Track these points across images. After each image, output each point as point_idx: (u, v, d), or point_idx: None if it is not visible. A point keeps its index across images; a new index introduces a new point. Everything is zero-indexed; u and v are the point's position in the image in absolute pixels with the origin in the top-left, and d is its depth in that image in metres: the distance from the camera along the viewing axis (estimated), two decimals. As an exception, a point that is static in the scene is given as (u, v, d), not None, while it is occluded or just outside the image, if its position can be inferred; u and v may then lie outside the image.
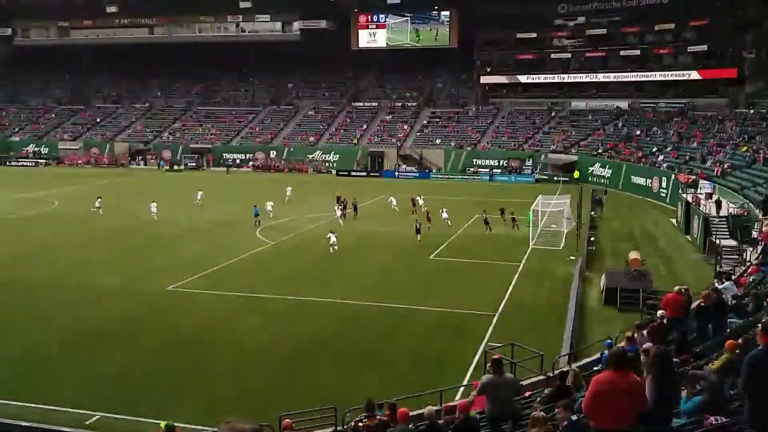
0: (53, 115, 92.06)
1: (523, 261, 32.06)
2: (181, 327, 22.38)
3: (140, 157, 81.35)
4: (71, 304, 24.70)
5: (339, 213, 42.70)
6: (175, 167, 77.14)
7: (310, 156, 76.92)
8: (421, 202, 45.60)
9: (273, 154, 78.39)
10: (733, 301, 16.66)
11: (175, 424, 11.43)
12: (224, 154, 79.65)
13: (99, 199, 45.39)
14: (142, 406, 16.00)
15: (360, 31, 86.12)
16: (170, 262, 31.37)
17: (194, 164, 77.89)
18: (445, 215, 40.33)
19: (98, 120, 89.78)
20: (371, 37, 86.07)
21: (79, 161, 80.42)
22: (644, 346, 11.67)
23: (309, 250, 34.80)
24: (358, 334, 21.71)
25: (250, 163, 77.84)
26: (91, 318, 23.08)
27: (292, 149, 78.39)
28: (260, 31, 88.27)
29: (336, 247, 32.91)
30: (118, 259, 32.12)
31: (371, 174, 71.73)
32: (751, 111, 58.49)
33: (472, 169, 70.83)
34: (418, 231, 36.20)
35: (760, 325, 6.98)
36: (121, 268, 30.27)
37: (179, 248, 34.92)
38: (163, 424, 11.49)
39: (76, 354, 19.77)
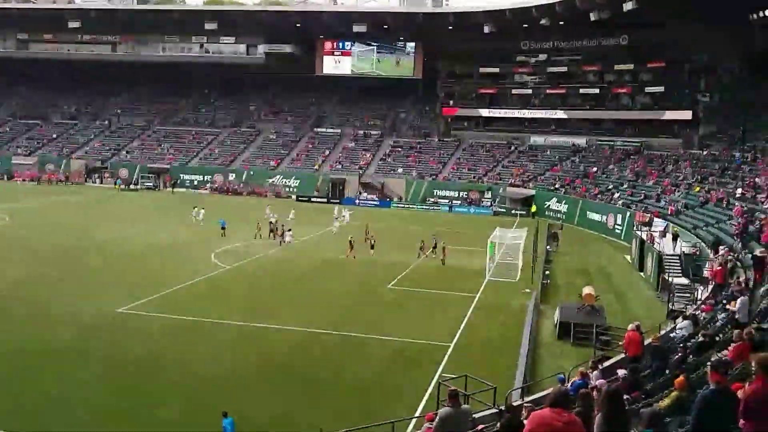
0: (8, 129, 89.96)
1: (479, 292, 32.11)
2: (128, 351, 21.67)
3: (96, 175, 79.80)
4: (14, 323, 23.86)
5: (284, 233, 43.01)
6: (131, 186, 75.89)
7: (270, 180, 76.44)
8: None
9: (232, 176, 77.68)
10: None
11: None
12: (182, 175, 78.69)
13: (197, 210, 49.52)
14: (82, 430, 15.39)
15: (325, 57, 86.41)
16: (121, 284, 30.56)
17: (151, 184, 76.73)
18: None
19: (55, 136, 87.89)
20: (336, 64, 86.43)
21: (31, 177, 78.32)
22: (596, 382, 11.68)
23: (265, 276, 34.39)
24: (310, 363, 21.36)
25: (208, 185, 77.00)
26: (34, 338, 22.26)
27: (251, 172, 77.79)
28: (224, 53, 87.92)
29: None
30: (67, 279, 31.26)
31: (332, 201, 71.47)
32: (704, 152, 60.11)
33: (432, 200, 71.17)
34: (351, 247, 38.61)
35: (709, 364, 6.99)
36: (69, 287, 29.44)
37: (131, 269, 34.09)
38: None
39: (15, 375, 18.99)
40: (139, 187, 76.04)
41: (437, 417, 9.68)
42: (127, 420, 16.33)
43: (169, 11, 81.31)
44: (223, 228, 44.07)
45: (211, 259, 37.41)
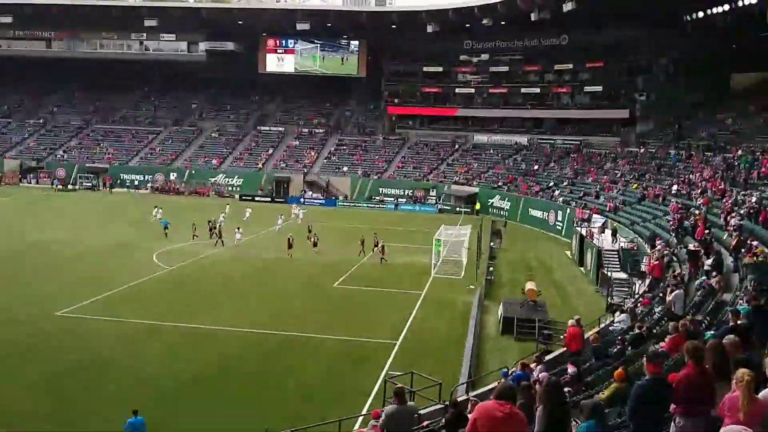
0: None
1: (425, 290, 32.33)
2: (68, 355, 21.00)
3: (32, 175, 77.22)
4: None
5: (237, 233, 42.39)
6: (69, 187, 73.78)
7: (213, 179, 75.37)
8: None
9: (173, 176, 76.29)
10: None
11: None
12: (122, 175, 76.90)
13: (157, 209, 49.37)
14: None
15: (268, 55, 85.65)
16: (60, 286, 29.66)
17: (90, 184, 74.75)
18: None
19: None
20: (279, 62, 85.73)
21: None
22: (538, 376, 11.87)
23: (207, 277, 33.88)
24: (256, 364, 21.13)
25: (149, 184, 75.43)
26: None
27: (193, 172, 76.58)
28: (165, 50, 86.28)
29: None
30: (1, 282, 30.15)
31: (276, 200, 70.93)
32: (642, 150, 61.82)
33: (378, 198, 71.32)
34: (290, 246, 38.95)
35: (645, 355, 7.22)
36: (4, 290, 28.42)
37: (70, 272, 33.12)
38: None
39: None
40: (77, 187, 73.99)
41: (383, 414, 9.71)
42: (65, 427, 15.84)
43: (106, 7, 78.83)
44: (165, 228, 43.43)
45: (152, 260, 36.67)
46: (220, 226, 43.33)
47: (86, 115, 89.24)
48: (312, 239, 42.07)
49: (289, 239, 39.65)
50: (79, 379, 19.06)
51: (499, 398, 6.02)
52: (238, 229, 43.37)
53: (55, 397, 17.75)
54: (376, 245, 39.97)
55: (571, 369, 14.09)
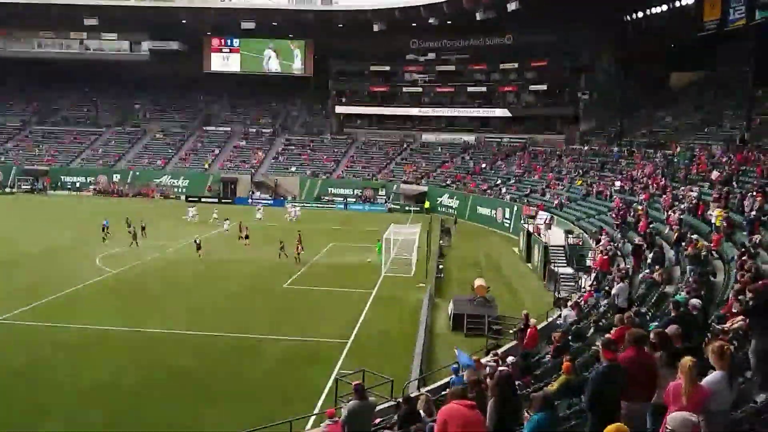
0: None
1: (376, 288, 32.34)
2: (7, 364, 20.32)
3: (-34, 178, 74.59)
4: None
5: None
6: (7, 190, 71.45)
7: (157, 180, 73.97)
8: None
9: (116, 177, 74.60)
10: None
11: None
12: (63, 177, 74.84)
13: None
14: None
15: (213, 54, 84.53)
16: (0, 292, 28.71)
17: (29, 187, 72.53)
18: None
19: None
20: (225, 61, 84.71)
21: None
22: (488, 370, 11.99)
23: (152, 280, 33.17)
24: (204, 367, 20.75)
25: (91, 186, 73.61)
26: None
27: (137, 173, 75.05)
28: (106, 49, 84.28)
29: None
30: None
31: (224, 201, 70.00)
32: (585, 148, 63.10)
33: (327, 198, 71.04)
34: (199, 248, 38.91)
35: (600, 343, 7.42)
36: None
37: (8, 276, 32.00)
38: None
39: None
40: (15, 190, 71.71)
41: (345, 411, 9.67)
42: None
43: (44, 5, 76.11)
44: (105, 228, 42.43)
45: (95, 263, 35.77)
46: (142, 228, 42.98)
47: (23, 115, 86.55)
48: (243, 233, 43.39)
49: (196, 242, 39.09)
50: (15, 387, 18.45)
51: (456, 398, 6.56)
52: (226, 220, 48.41)
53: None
54: (299, 243, 39.18)
55: (510, 359, 14.35)
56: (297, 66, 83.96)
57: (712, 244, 22.26)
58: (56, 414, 16.68)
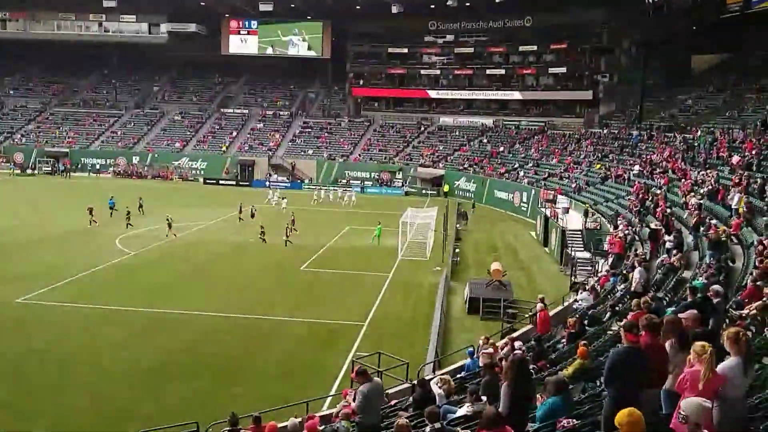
0: None
1: (392, 272, 32.44)
2: (32, 342, 20.64)
3: (-12, 160, 75.44)
4: None
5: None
6: (28, 171, 72.23)
7: (176, 163, 74.39)
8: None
9: (136, 159, 75.13)
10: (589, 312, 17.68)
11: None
12: (83, 159, 75.51)
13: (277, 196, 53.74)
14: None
15: (231, 36, 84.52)
16: (21, 272, 29.06)
17: (50, 169, 73.27)
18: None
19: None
20: (242, 43, 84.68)
21: None
22: (502, 353, 12.02)
23: (171, 261, 33.49)
24: (223, 348, 21.00)
25: (111, 168, 74.21)
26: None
27: (156, 155, 75.49)
28: (125, 31, 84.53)
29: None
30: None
31: (241, 183, 70.33)
32: (605, 131, 62.59)
33: (344, 181, 71.08)
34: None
35: (622, 325, 7.42)
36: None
37: (32, 257, 32.45)
38: None
39: None
40: (36, 172, 72.50)
41: (358, 394, 9.76)
42: (27, 414, 15.62)
43: (64, -13, 76.92)
44: (111, 208, 43.46)
45: (115, 245, 36.15)
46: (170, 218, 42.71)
47: (44, 98, 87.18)
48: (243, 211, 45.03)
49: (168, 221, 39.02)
50: (38, 367, 18.74)
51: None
52: (284, 199, 51.65)
53: (11, 384, 17.49)
54: (291, 225, 39.42)
55: (518, 344, 14.38)
56: (315, 48, 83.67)
57: (731, 229, 22.05)
58: (76, 394, 16.96)
